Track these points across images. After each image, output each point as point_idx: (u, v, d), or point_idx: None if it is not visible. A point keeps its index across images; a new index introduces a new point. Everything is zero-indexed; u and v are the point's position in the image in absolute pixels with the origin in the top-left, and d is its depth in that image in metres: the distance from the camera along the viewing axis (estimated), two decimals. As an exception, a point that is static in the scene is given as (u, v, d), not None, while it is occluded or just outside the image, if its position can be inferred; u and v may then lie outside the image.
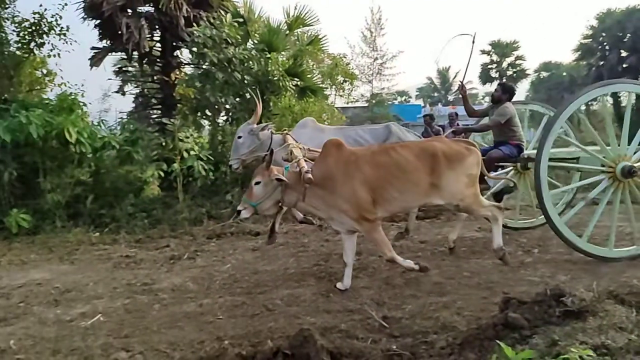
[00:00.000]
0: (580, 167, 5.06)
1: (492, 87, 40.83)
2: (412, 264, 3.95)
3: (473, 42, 5.78)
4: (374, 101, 27.36)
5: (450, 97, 44.75)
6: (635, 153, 4.56)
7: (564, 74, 36.90)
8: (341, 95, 18.96)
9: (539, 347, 2.39)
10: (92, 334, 3.27)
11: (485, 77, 39.65)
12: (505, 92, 5.53)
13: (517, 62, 39.33)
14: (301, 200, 3.83)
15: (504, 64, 39.38)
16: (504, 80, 39.23)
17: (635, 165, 4.51)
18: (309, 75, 10.17)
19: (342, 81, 18.01)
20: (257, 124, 5.38)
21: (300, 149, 4.38)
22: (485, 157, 5.27)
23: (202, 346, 3.03)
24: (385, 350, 2.81)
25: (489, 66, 39.66)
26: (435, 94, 47.67)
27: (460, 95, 6.00)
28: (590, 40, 29.14)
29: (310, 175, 3.72)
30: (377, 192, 3.83)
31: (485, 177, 5.30)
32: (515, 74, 39.00)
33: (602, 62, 28.29)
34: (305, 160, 4.03)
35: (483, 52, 38.84)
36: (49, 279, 4.64)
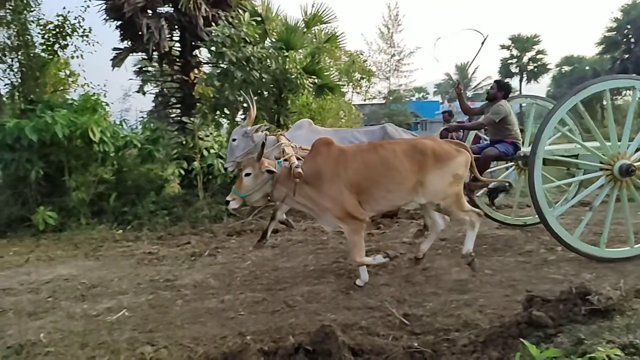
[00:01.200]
0: (577, 163, 4.86)
1: (512, 82, 40.18)
2: (382, 258, 3.90)
3: (482, 43, 5.72)
4: (391, 98, 27.22)
5: (470, 93, 44.12)
6: (636, 151, 4.41)
7: (587, 68, 35.99)
8: (358, 93, 18.92)
9: (564, 345, 2.35)
10: (118, 329, 3.34)
11: (505, 72, 38.98)
12: (501, 89, 5.46)
13: (538, 56, 38.57)
14: (291, 196, 3.84)
15: (525, 59, 38.66)
16: (524, 75, 38.59)
17: (635, 164, 4.36)
18: (326, 73, 10.16)
19: (359, 78, 17.97)
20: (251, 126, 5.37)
21: (292, 147, 4.40)
22: (480, 155, 5.21)
23: (225, 341, 3.07)
24: (407, 347, 2.80)
25: (509, 61, 39.00)
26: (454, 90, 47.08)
27: (456, 94, 5.91)
28: (615, 33, 28.39)
29: (300, 170, 3.75)
30: (365, 190, 3.83)
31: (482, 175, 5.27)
32: (536, 69, 38.27)
33: (627, 55, 27.56)
34: (297, 159, 4.05)
35: (503, 46, 38.24)
36: (75, 275, 4.76)
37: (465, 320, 3.14)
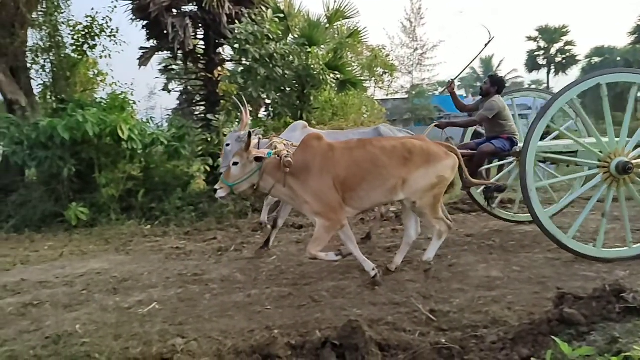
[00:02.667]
0: (573, 160, 4.72)
1: (539, 75, 39.15)
2: (334, 255, 3.88)
3: (486, 45, 5.63)
4: (414, 92, 26.92)
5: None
6: (635, 148, 4.26)
7: (619, 58, 34.69)
8: (381, 88, 18.80)
9: (597, 344, 2.31)
10: (149, 321, 3.44)
11: (532, 65, 38.04)
12: (494, 84, 5.36)
13: (567, 47, 37.43)
14: (279, 187, 3.86)
15: (552, 50, 37.59)
16: (552, 67, 37.55)
17: (633, 161, 4.20)
18: (349, 68, 10.14)
19: (381, 73, 17.83)
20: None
21: (285, 144, 4.41)
22: (476, 151, 5.15)
23: (253, 335, 3.12)
24: (434, 343, 2.79)
25: (536, 53, 37.99)
26: (478, 84, 46.14)
27: (450, 93, 5.83)
28: (649, 21, 27.25)
29: (290, 159, 3.77)
30: (351, 187, 3.82)
31: (478, 171, 5.21)
32: (564, 61, 37.18)
33: (661, 45, 26.43)
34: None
35: (529, 38, 37.29)
36: (107, 269, 4.91)
37: (494, 317, 3.11)
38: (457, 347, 2.72)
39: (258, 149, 3.97)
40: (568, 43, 37.30)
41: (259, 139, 5.17)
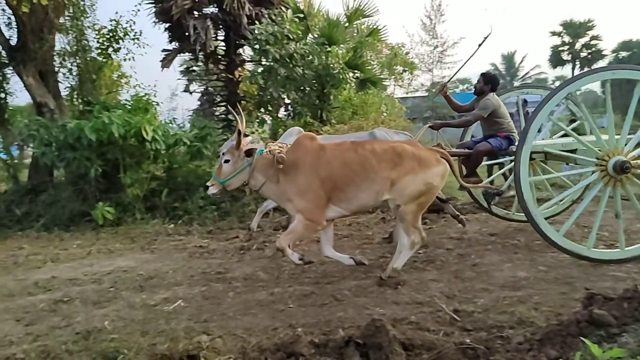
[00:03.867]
0: (574, 158, 4.57)
1: (563, 70, 38.24)
2: (296, 258, 3.88)
3: (480, 44, 5.53)
4: (434, 90, 26.62)
5: (517, 83, 42.44)
6: (636, 148, 4.11)
7: (648, 52, 33.68)
8: (400, 86, 18.68)
9: (629, 346, 2.25)
10: (174, 318, 3.50)
11: (556, 60, 37.21)
12: (488, 82, 5.26)
13: (592, 42, 36.47)
14: (274, 183, 3.89)
15: (577, 45, 36.67)
16: (577, 62, 36.62)
17: (632, 161, 4.05)
18: (368, 67, 10.13)
19: (401, 71, 17.69)
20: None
21: (279, 146, 4.43)
22: (472, 151, 5.05)
23: (276, 333, 3.14)
24: (459, 343, 2.76)
25: (560, 48, 37.13)
26: (500, 81, 45.44)
27: (443, 96, 5.77)
28: (680, 13, 26.29)
29: (283, 155, 3.83)
30: (339, 188, 3.83)
31: (477, 170, 5.18)
32: (590, 56, 36.22)
33: (693, 38, 25.46)
34: None
35: (553, 33, 36.45)
36: (133, 267, 5.02)
37: (520, 318, 3.06)
38: (482, 348, 2.68)
39: (240, 134, 4.05)
40: (594, 37, 36.37)
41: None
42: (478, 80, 5.38)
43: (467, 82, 49.06)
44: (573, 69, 37.38)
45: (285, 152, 3.97)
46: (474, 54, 5.68)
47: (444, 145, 5.08)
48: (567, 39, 36.68)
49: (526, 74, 43.75)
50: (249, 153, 3.94)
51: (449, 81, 5.89)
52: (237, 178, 3.99)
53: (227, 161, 3.99)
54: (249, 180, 3.99)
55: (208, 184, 4.09)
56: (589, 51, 36.40)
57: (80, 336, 3.22)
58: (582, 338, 2.34)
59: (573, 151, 4.66)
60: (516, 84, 42.49)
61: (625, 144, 4.12)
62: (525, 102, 10.12)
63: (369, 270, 4.38)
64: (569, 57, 36.94)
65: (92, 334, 3.24)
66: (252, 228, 5.66)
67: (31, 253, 5.85)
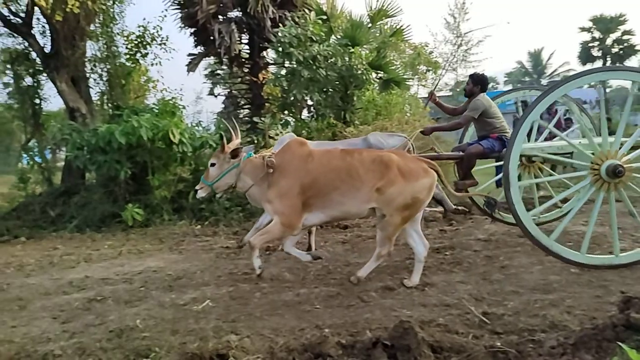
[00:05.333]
0: (569, 162, 4.44)
1: (593, 67, 37.12)
2: (257, 264, 4.02)
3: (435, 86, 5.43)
4: (458, 89, 26.26)
5: (544, 81, 41.42)
6: (631, 151, 3.96)
7: (684, 46, 32.35)
8: (424, 85, 18.46)
9: (670, 351, 2.16)
10: (203, 318, 3.56)
11: (585, 57, 36.09)
12: (477, 83, 5.15)
13: (624, 37, 35.22)
14: (264, 186, 3.96)
15: (608, 41, 35.50)
16: (608, 58, 35.48)
17: (626, 165, 3.89)
18: (392, 67, 10.06)
19: (424, 71, 17.51)
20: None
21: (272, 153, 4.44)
22: (464, 154, 4.95)
23: (303, 333, 3.16)
24: (489, 346, 2.72)
25: (590, 44, 36.01)
26: (527, 79, 44.40)
27: (434, 104, 5.71)
28: None
29: (273, 159, 3.90)
30: (323, 194, 3.83)
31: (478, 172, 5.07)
32: (622, 51, 35.00)
33: None
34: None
35: (582, 29, 35.39)
36: (162, 267, 5.13)
37: (552, 321, 2.99)
38: (514, 351, 2.63)
39: (222, 137, 4.26)
40: (626, 32, 35.10)
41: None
42: (467, 82, 5.35)
43: (493, 81, 48.26)
44: (604, 65, 36.21)
45: (274, 156, 4.05)
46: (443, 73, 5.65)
47: (437, 149, 5.15)
48: (597, 34, 35.52)
49: (554, 71, 42.66)
50: (235, 154, 4.03)
51: (434, 88, 5.85)
52: (223, 180, 4.10)
53: (213, 164, 4.12)
54: (237, 183, 4.09)
55: (197, 187, 4.24)
56: (621, 47, 35.17)
57: (113, 334, 3.30)
58: (618, 343, 2.27)
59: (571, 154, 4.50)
60: (544, 82, 41.46)
61: (620, 148, 4.01)
62: (525, 104, 9.86)
63: (394, 272, 4.37)
64: (599, 54, 35.79)
65: (124, 332, 3.32)
66: (246, 242, 5.50)
67: (65, 253, 6.05)
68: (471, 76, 5.33)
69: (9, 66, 9.86)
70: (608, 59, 35.85)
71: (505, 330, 2.98)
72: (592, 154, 4.00)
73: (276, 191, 3.90)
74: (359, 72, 8.95)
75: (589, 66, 36.62)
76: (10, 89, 10.92)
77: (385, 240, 3.87)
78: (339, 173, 3.84)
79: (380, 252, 3.90)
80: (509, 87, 44.85)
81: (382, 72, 9.75)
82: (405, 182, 3.75)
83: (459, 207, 5.23)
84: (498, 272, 4.14)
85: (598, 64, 36.22)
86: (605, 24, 34.94)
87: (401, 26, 10.49)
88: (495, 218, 5.61)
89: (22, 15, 8.95)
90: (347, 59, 8.91)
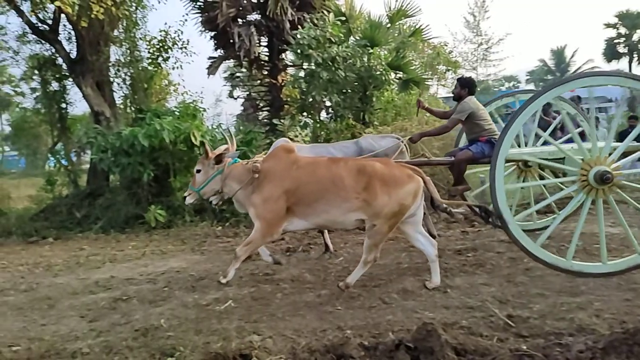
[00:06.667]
0: (552, 166, 4.36)
1: (619, 64, 36.16)
2: (230, 276, 4.03)
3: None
4: (478, 89, 25.96)
5: (568, 79, 40.46)
6: (621, 157, 3.85)
7: None
8: (443, 85, 18.29)
9: None
10: (226, 318, 3.60)
11: (611, 54, 35.17)
12: (464, 86, 5.06)
13: (652, 33, 34.20)
14: (249, 191, 3.97)
15: (635, 37, 34.51)
16: (635, 55, 34.51)
17: (615, 172, 3.77)
18: (411, 67, 10.00)
19: (444, 70, 17.35)
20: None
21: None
22: (454, 159, 4.87)
23: (325, 334, 3.16)
24: (514, 350, 2.68)
25: (616, 41, 35.07)
26: (549, 77, 43.49)
27: (423, 109, 5.68)
28: None
29: (258, 165, 3.93)
30: (307, 202, 3.83)
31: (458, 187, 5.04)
32: (649, 48, 34.00)
33: None
34: None
35: (608, 25, 34.50)
36: (185, 267, 5.21)
37: (580, 325, 2.92)
38: (540, 355, 2.59)
39: (203, 144, 4.33)
40: (654, 28, 34.06)
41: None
42: (455, 86, 5.30)
43: (514, 80, 47.49)
44: (630, 62, 35.22)
45: (260, 161, 4.10)
46: None
47: (427, 155, 5.14)
48: (623, 30, 34.56)
49: (578, 69, 41.69)
50: (218, 160, 4.09)
51: (419, 95, 5.79)
52: (209, 186, 4.15)
53: (198, 171, 4.18)
54: (222, 188, 4.13)
55: (185, 194, 4.33)
56: (648, 43, 34.19)
57: (139, 333, 3.37)
58: (651, 348, 2.21)
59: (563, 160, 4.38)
60: (567, 79, 40.46)
61: (610, 154, 3.90)
62: (578, 98, 9.66)
63: (416, 274, 4.33)
64: (625, 50, 34.82)
65: (149, 331, 3.38)
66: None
67: (91, 254, 6.20)
68: (459, 80, 5.33)
69: (36, 72, 10.16)
70: (635, 55, 34.86)
71: (531, 333, 2.92)
72: (582, 159, 3.93)
73: (260, 196, 3.94)
74: (378, 72, 8.92)
75: (614, 63, 35.72)
76: (38, 94, 11.26)
77: (372, 247, 3.87)
78: (324, 182, 3.86)
79: (366, 259, 3.89)
80: (531, 85, 44.06)
81: (401, 72, 9.71)
82: (390, 190, 3.75)
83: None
84: (522, 274, 4.07)
85: (624, 61, 35.30)
86: (631, 19, 33.99)
87: (420, 26, 10.45)
88: (495, 225, 5.53)
89: (49, 22, 9.22)
90: (366, 59, 8.90)
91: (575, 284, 3.73)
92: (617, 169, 3.83)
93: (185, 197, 4.34)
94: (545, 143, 5.40)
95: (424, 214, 4.67)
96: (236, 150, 4.53)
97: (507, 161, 4.80)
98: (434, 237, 4.83)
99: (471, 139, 5.08)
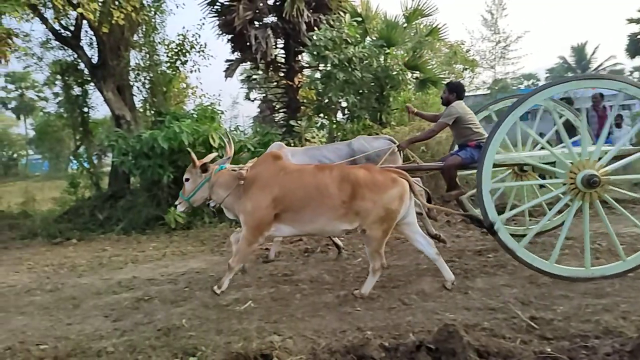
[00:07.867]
0: (543, 168, 4.29)
1: (643, 60, 35.24)
2: (224, 286, 3.99)
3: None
4: (496, 87, 25.61)
5: (589, 76, 39.59)
6: (612, 161, 3.77)
7: None
8: (461, 84, 18.09)
9: None
10: (246, 318, 3.63)
11: (634, 50, 34.20)
12: (452, 91, 5.03)
13: (678, 27, 33.15)
14: (237, 197, 4.01)
15: (659, 32, 33.51)
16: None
17: (603, 176, 3.72)
18: (428, 67, 9.93)
19: (462, 69, 17.18)
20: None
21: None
22: (444, 165, 4.81)
23: (345, 335, 3.16)
24: (538, 352, 2.65)
25: (639, 36, 34.13)
26: (569, 74, 42.65)
27: (414, 115, 5.68)
28: None
29: (243, 172, 3.97)
30: (294, 210, 3.83)
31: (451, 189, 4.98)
32: (675, 42, 32.97)
33: None
34: None
35: (631, 20, 33.57)
36: (204, 268, 5.27)
37: (606, 327, 2.86)
38: (565, 358, 2.55)
39: (190, 153, 4.39)
40: (679, 22, 33.01)
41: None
42: (444, 91, 5.25)
43: (533, 78, 46.71)
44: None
45: (247, 168, 4.13)
46: None
47: (417, 161, 5.16)
48: (647, 25, 33.64)
49: (599, 65, 40.80)
50: (204, 169, 4.15)
51: (408, 101, 5.72)
52: (198, 194, 4.21)
53: (187, 180, 4.25)
54: (210, 195, 4.18)
55: (176, 202, 4.41)
56: (674, 38, 33.15)
57: (161, 332, 3.42)
58: (682, 351, 2.15)
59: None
60: (588, 77, 39.56)
61: (600, 158, 3.83)
62: (601, 95, 9.44)
63: (435, 275, 4.29)
64: (649, 45, 33.85)
65: (171, 331, 3.43)
66: (270, 257, 5.46)
67: (113, 255, 6.32)
68: (447, 84, 5.30)
69: (59, 77, 10.39)
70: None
71: (556, 335, 2.87)
72: (572, 163, 3.88)
73: (247, 203, 3.96)
74: (395, 72, 8.88)
75: (638, 59, 34.77)
76: (61, 98, 11.51)
77: (373, 254, 3.86)
78: (310, 189, 3.86)
79: (374, 267, 3.88)
80: (551, 83, 43.09)
81: (418, 72, 9.65)
82: (374, 196, 3.74)
83: (438, 235, 5.12)
84: (545, 276, 3.99)
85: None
86: (655, 14, 33.00)
87: (437, 25, 10.36)
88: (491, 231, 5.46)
89: (72, 28, 9.44)
90: (382, 60, 8.87)
91: (600, 285, 3.66)
92: (605, 173, 3.80)
93: (176, 206, 4.44)
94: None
95: (420, 214, 4.69)
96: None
97: (501, 166, 4.87)
98: (433, 236, 4.85)
99: (460, 144, 5.05)
